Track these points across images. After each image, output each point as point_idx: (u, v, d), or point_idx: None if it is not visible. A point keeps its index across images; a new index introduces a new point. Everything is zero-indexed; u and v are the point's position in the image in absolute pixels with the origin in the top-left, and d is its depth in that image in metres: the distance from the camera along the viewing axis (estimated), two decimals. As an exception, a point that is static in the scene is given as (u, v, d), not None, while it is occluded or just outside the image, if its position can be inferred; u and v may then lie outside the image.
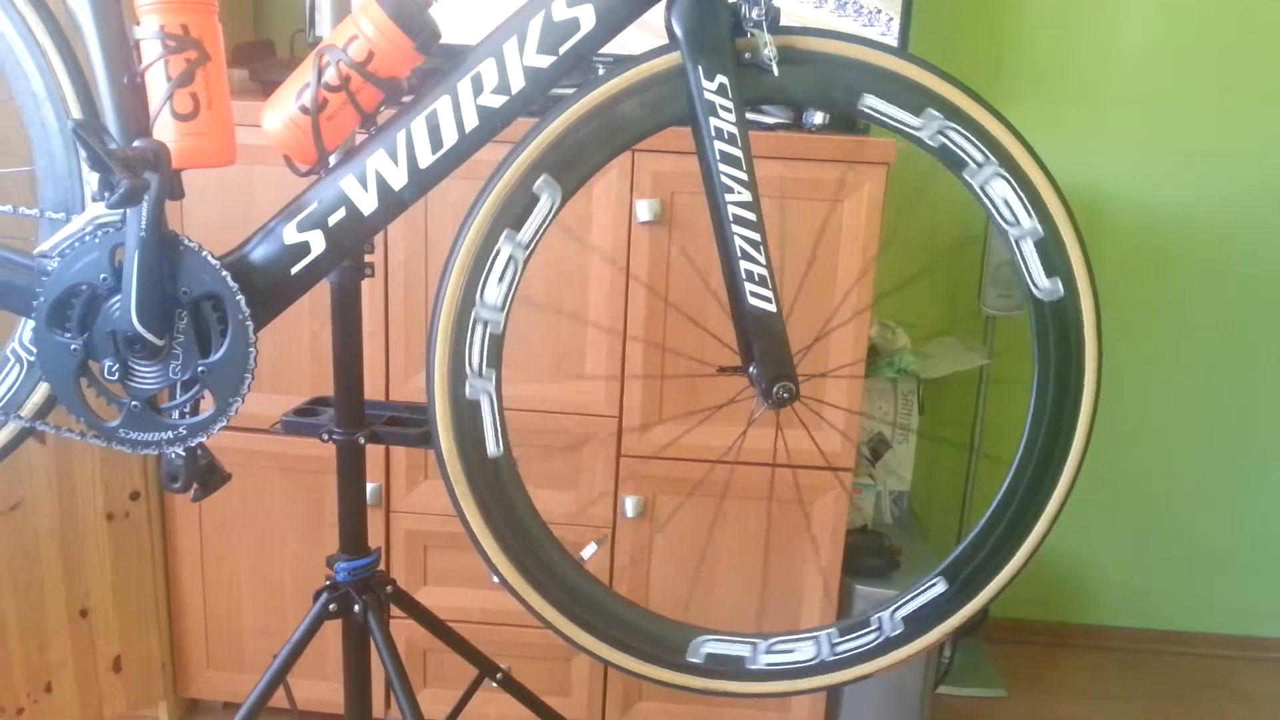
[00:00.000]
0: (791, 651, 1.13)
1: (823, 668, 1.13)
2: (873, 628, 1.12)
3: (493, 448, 1.05)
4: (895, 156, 1.60)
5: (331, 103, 1.00)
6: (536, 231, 1.02)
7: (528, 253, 1.02)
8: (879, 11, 1.76)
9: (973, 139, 1.02)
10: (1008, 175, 1.03)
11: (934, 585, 1.11)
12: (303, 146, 1.02)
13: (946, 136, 1.02)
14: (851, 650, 1.13)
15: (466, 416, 1.04)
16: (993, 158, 1.02)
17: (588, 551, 1.17)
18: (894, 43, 1.77)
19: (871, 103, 1.02)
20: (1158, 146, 2.19)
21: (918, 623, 1.12)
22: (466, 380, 1.03)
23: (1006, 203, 1.03)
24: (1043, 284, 1.04)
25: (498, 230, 1.01)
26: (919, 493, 2.26)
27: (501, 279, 1.02)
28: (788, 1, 1.74)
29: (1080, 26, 2.13)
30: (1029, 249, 1.04)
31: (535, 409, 1.71)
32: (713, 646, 1.13)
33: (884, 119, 1.02)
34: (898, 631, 1.12)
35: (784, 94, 1.02)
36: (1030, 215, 1.03)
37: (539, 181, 1.00)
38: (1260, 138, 2.17)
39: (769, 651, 1.13)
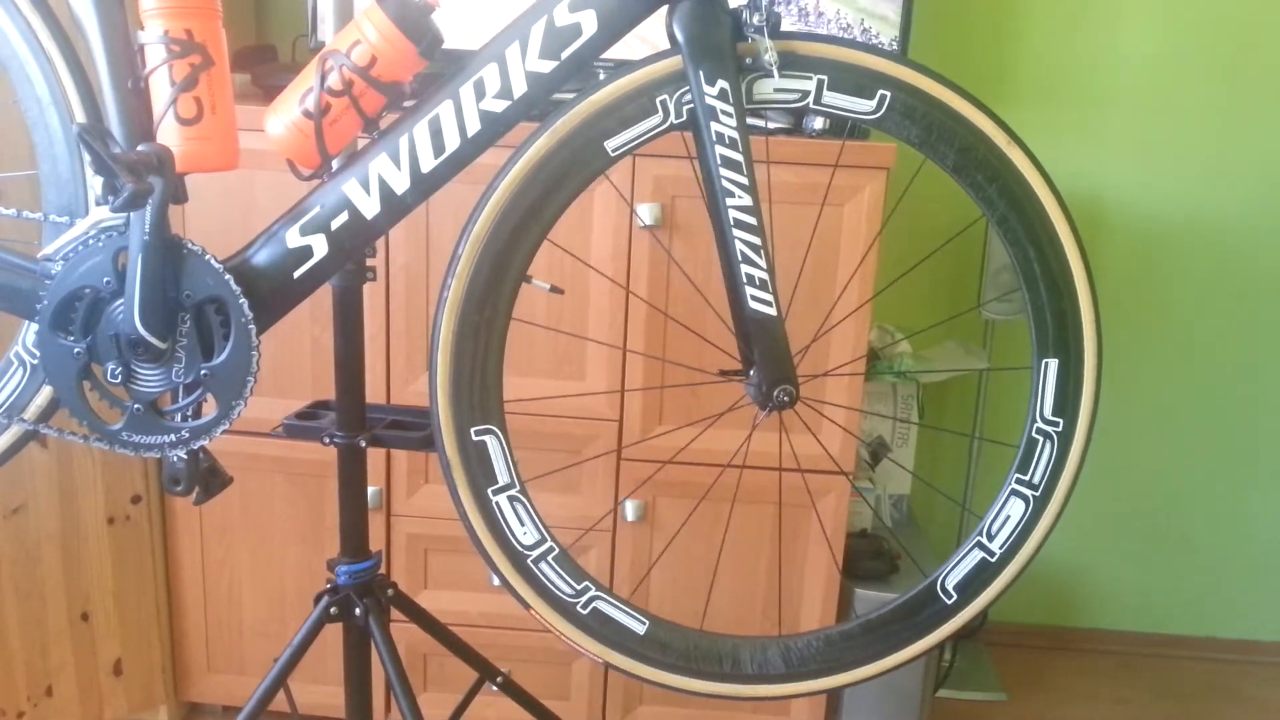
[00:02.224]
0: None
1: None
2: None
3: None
4: (895, 161, 1.61)
5: (334, 107, 1.01)
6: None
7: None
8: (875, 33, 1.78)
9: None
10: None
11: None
12: (306, 150, 1.02)
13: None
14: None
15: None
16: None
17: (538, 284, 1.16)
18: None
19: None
20: (1159, 153, 2.19)
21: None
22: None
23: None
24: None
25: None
26: (918, 496, 2.26)
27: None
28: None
29: (1081, 34, 2.14)
30: None
31: (536, 412, 1.71)
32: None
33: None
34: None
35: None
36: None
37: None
38: (1261, 144, 2.18)
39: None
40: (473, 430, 1.05)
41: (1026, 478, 1.10)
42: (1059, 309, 1.06)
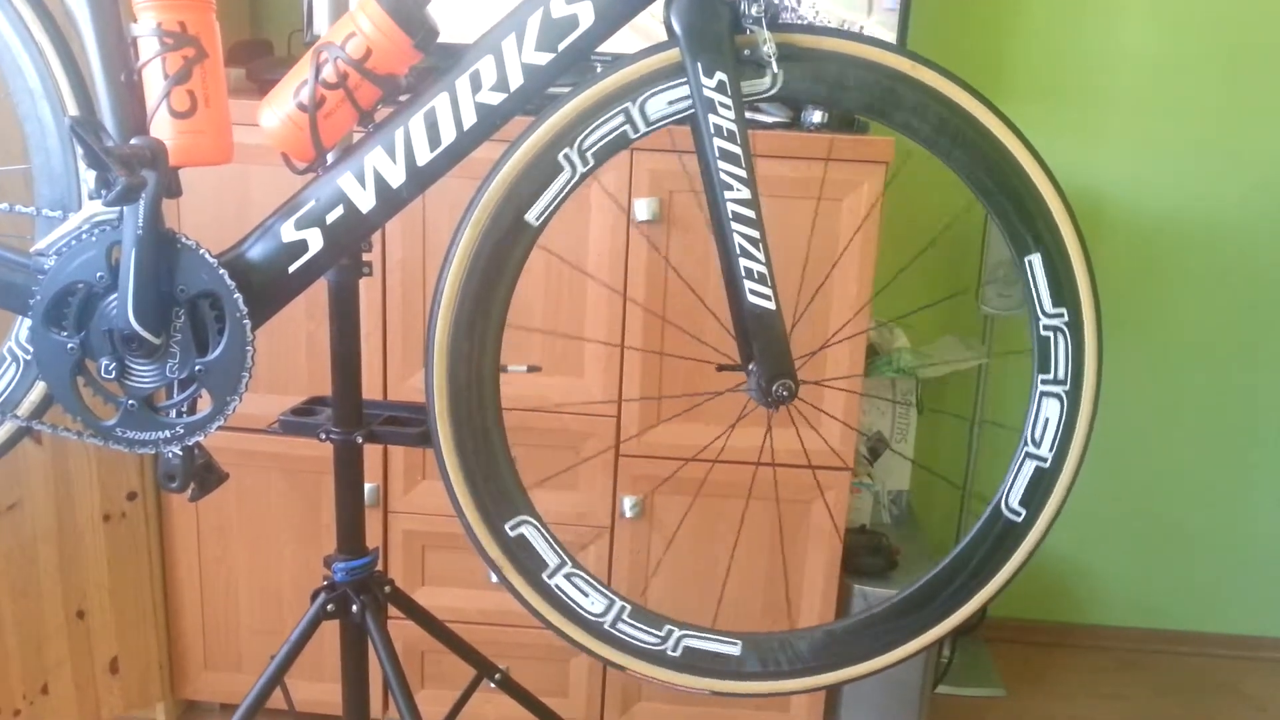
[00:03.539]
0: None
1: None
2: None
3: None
4: (894, 155, 1.60)
5: (329, 100, 1.00)
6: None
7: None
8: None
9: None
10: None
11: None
12: (300, 144, 1.02)
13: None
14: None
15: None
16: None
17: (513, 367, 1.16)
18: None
19: None
20: (1157, 150, 2.19)
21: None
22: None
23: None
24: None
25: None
26: (918, 492, 2.26)
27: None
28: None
29: (1079, 31, 2.13)
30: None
31: (533, 408, 1.70)
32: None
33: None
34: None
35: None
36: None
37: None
38: (1259, 141, 2.17)
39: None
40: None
41: (1051, 376, 1.08)
42: (1021, 205, 1.04)
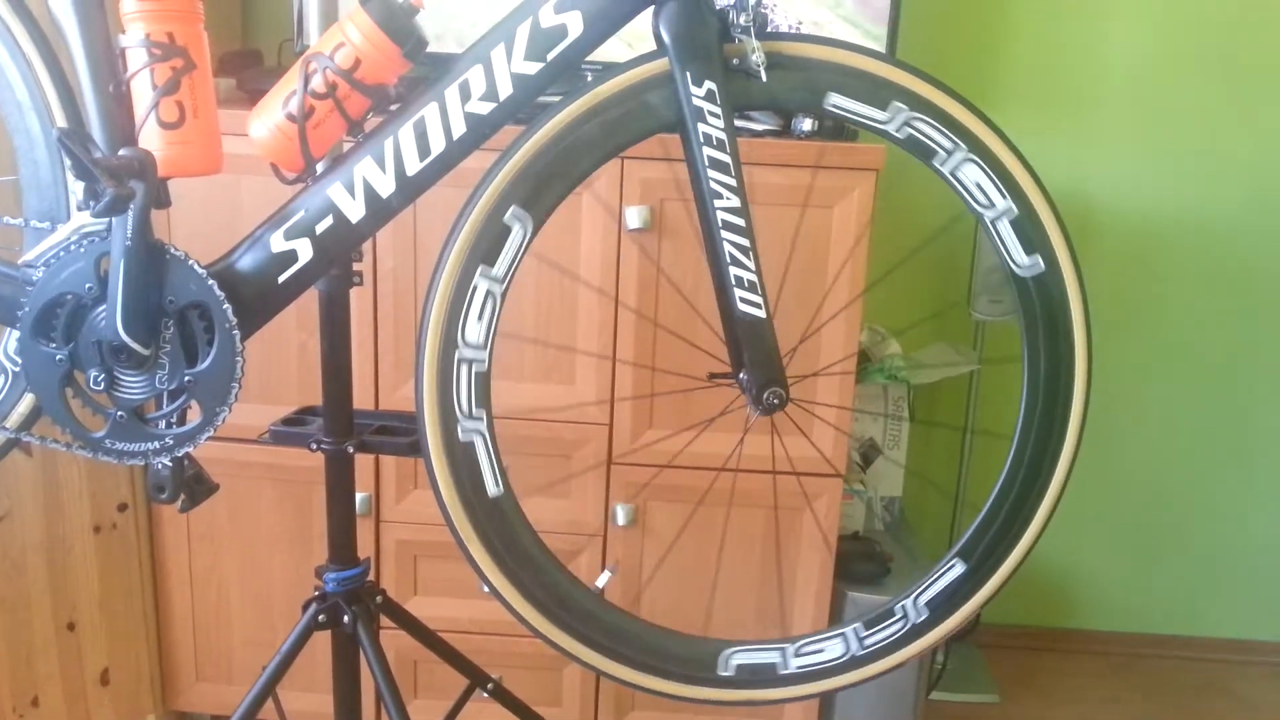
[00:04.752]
0: (821, 651, 1.13)
1: (854, 663, 1.13)
2: (897, 617, 1.12)
3: (492, 488, 1.05)
4: (884, 162, 1.60)
5: (318, 110, 1.00)
6: (512, 263, 1.02)
7: (505, 285, 1.02)
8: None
9: (939, 127, 1.02)
10: (977, 159, 1.02)
11: (952, 567, 1.11)
12: (290, 154, 1.01)
13: (913, 127, 1.02)
14: (880, 641, 1.12)
15: (461, 460, 1.04)
16: (961, 143, 1.02)
17: (602, 579, 1.17)
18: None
19: (836, 100, 1.01)
20: (1148, 153, 2.20)
21: (941, 606, 1.12)
22: (458, 424, 1.03)
23: (979, 186, 1.03)
24: (1023, 261, 1.04)
25: (471, 267, 1.01)
26: (910, 499, 2.26)
27: (480, 316, 1.02)
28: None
29: (1069, 34, 2.14)
30: (1006, 229, 1.04)
31: (526, 417, 1.70)
32: (742, 658, 1.13)
33: (850, 115, 1.02)
34: (923, 617, 1.12)
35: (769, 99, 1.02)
36: (1004, 195, 1.03)
37: (509, 213, 1.00)
38: (1250, 142, 2.18)
39: (799, 654, 1.13)
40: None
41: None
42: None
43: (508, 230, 1.00)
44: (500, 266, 1.01)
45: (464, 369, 1.02)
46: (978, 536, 1.10)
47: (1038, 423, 1.08)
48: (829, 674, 1.13)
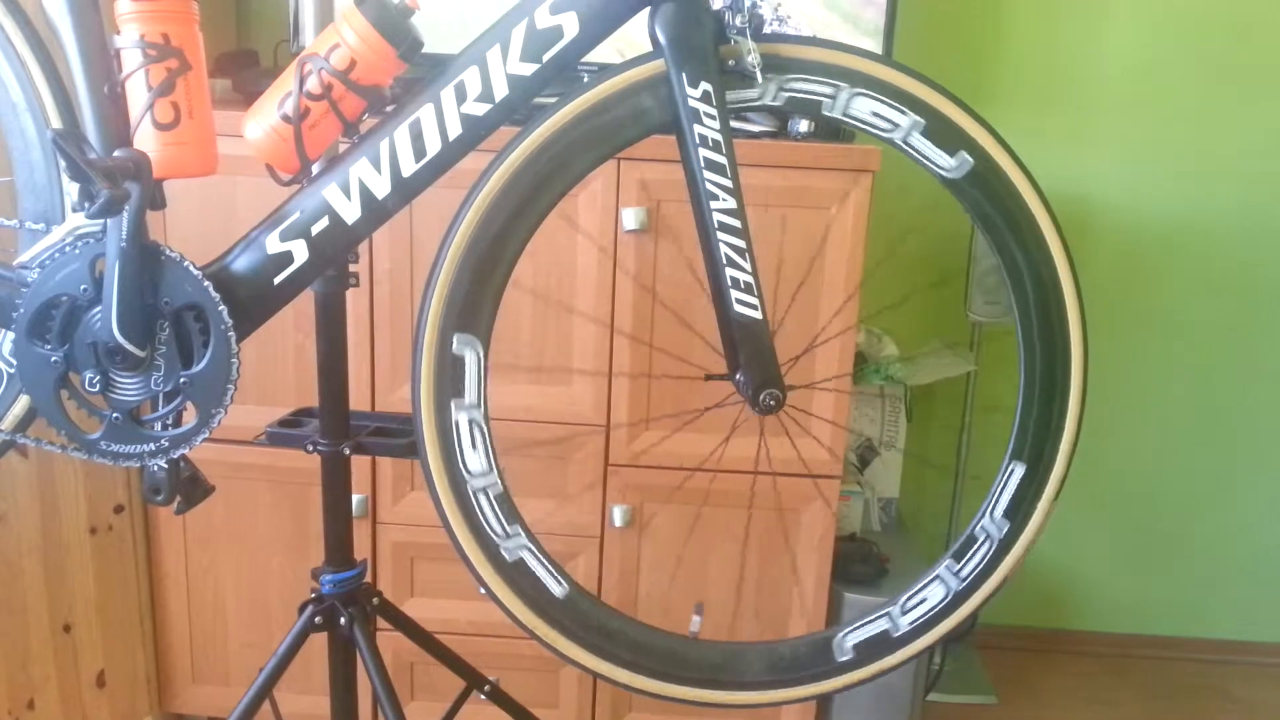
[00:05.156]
0: (924, 600, 1.13)
1: (958, 599, 1.12)
2: (980, 540, 1.12)
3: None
4: (881, 164, 1.60)
5: (314, 111, 0.99)
6: (479, 386, 1.04)
7: (483, 409, 1.04)
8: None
9: (814, 78, 1.01)
10: (865, 90, 1.01)
11: (1012, 472, 1.10)
12: (285, 155, 1.01)
13: (787, 90, 1.01)
14: (976, 567, 1.12)
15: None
16: (842, 83, 1.01)
17: (694, 624, 1.17)
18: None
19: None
20: (1145, 155, 2.20)
21: (1016, 511, 1.10)
22: (500, 545, 1.07)
23: (876, 114, 1.02)
24: (949, 164, 1.03)
25: (445, 401, 1.03)
26: (907, 499, 2.26)
27: (475, 446, 1.04)
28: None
29: (1066, 38, 2.14)
30: (920, 142, 1.02)
31: (522, 418, 1.70)
32: (855, 636, 1.14)
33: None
34: (1005, 529, 1.11)
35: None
36: (904, 112, 1.01)
37: (455, 342, 1.02)
38: (1246, 145, 2.18)
39: (905, 611, 1.13)
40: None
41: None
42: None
43: (461, 360, 1.03)
44: (470, 394, 1.03)
45: (483, 496, 1.05)
46: (1022, 436, 1.09)
47: (1036, 321, 1.07)
48: (940, 618, 1.13)
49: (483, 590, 1.09)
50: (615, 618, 1.12)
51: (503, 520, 1.07)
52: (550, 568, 1.09)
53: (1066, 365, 1.07)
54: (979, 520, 1.12)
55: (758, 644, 1.15)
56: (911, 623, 1.13)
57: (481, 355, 1.03)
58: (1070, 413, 1.08)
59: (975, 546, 1.12)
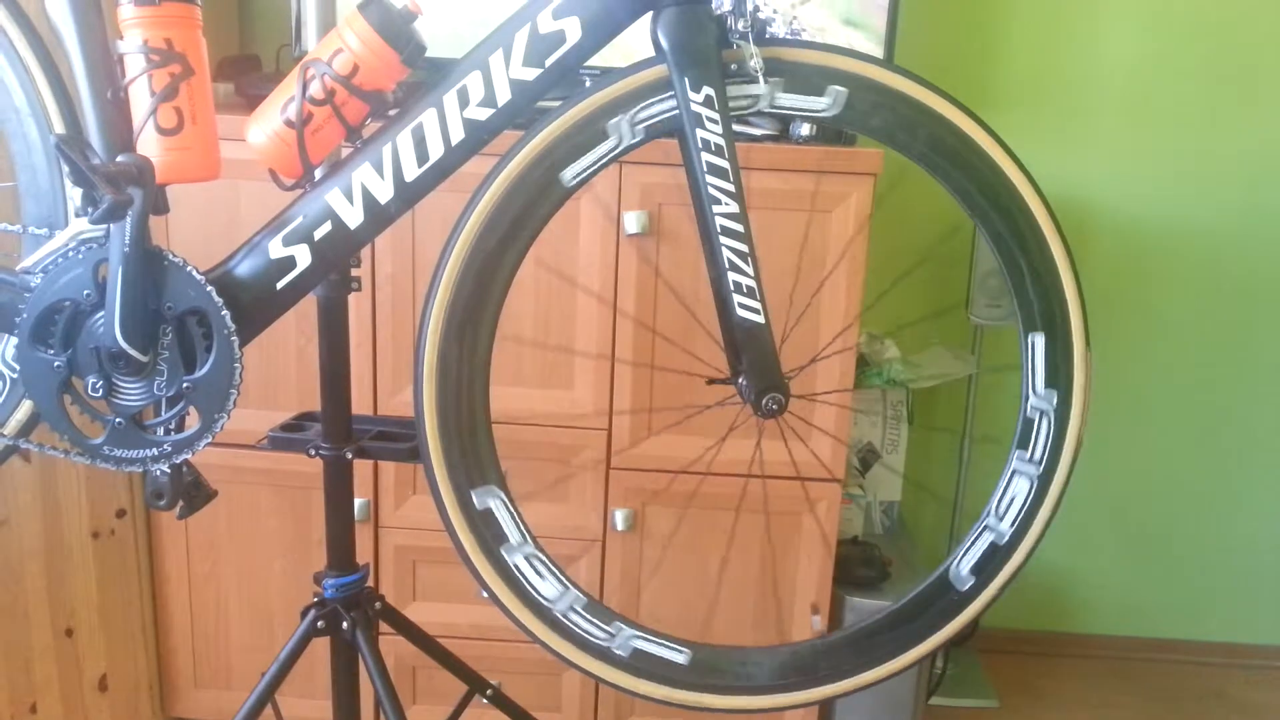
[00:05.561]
0: (1013, 497, 1.11)
1: (1045, 480, 1.10)
2: (1036, 419, 1.09)
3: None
4: (882, 167, 1.60)
5: (316, 116, 1.00)
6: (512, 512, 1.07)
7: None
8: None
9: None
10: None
11: (1034, 342, 1.08)
12: (288, 160, 1.01)
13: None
14: (1046, 446, 1.09)
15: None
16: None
17: (815, 623, 1.17)
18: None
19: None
20: (1142, 157, 2.20)
21: (1055, 378, 1.08)
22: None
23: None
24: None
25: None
26: (909, 503, 2.26)
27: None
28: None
29: (1064, 41, 2.14)
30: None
31: (524, 422, 1.70)
32: (968, 561, 1.13)
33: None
34: (1054, 401, 1.08)
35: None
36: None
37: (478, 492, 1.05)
38: (1242, 147, 2.18)
39: (1000, 516, 1.11)
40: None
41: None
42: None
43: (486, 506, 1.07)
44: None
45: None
46: (1026, 307, 1.08)
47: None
48: (1036, 506, 1.10)
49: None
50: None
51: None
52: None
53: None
54: (1026, 403, 1.09)
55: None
56: (1012, 523, 1.10)
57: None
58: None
59: (1035, 428, 1.09)
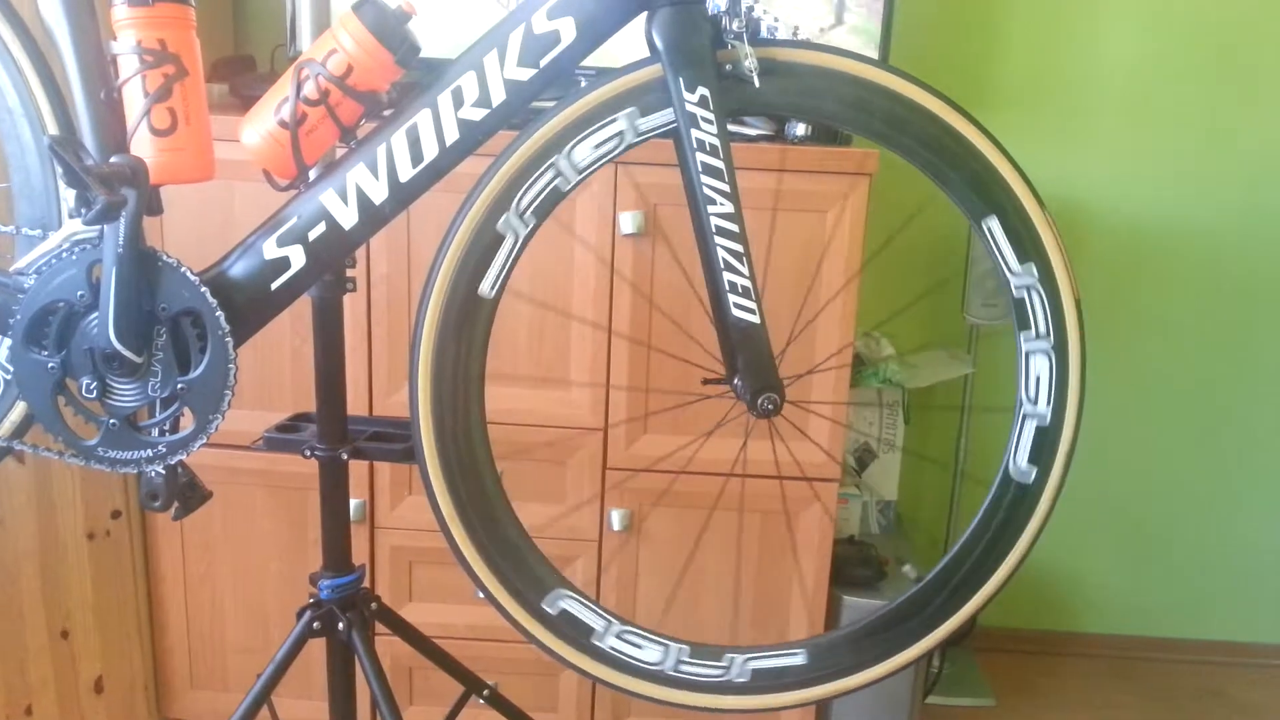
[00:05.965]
0: (1038, 376, 1.09)
1: (1059, 352, 1.08)
2: (1023, 296, 1.07)
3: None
4: (878, 167, 1.60)
5: (311, 117, 1.00)
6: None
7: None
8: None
9: None
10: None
11: (990, 229, 1.06)
12: (282, 161, 1.01)
13: None
14: (1045, 317, 1.07)
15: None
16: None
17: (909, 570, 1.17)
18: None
19: None
20: (1139, 158, 2.20)
21: (1026, 252, 1.06)
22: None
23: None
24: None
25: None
26: (905, 502, 2.26)
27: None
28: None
29: (1062, 41, 2.14)
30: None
31: (521, 422, 1.70)
32: (1021, 453, 1.10)
33: None
34: (1034, 270, 1.06)
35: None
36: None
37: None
38: (1241, 148, 2.19)
39: (1034, 400, 1.10)
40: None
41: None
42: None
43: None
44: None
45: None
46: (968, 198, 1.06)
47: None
48: (1064, 380, 1.08)
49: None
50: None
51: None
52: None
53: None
54: (1008, 281, 1.07)
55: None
56: (1048, 401, 1.08)
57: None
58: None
59: (1028, 305, 1.07)
